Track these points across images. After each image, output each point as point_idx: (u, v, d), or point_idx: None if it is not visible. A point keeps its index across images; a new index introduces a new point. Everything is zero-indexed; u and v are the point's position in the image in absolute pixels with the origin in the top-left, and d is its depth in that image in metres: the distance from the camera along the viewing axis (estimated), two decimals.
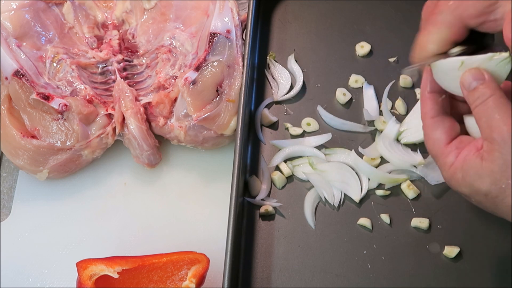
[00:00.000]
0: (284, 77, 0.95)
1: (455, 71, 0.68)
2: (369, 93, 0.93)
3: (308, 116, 0.92)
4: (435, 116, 0.70)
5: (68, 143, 0.86)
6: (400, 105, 0.91)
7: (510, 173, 0.63)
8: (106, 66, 0.93)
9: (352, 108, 0.93)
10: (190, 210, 0.88)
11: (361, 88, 0.94)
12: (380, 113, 0.91)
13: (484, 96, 0.65)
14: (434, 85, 0.71)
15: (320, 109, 0.92)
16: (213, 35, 0.88)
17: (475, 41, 0.74)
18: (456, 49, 0.74)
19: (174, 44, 0.92)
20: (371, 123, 0.91)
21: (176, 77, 0.89)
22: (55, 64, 0.91)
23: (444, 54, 0.74)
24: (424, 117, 0.71)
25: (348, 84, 0.94)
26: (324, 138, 0.89)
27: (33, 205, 0.89)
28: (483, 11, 0.70)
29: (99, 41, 0.96)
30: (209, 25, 0.89)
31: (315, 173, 0.86)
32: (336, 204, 0.85)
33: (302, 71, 0.95)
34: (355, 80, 0.94)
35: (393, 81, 0.94)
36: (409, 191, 0.85)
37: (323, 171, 0.86)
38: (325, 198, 0.85)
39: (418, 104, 0.88)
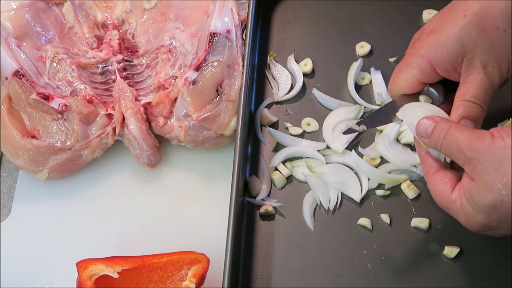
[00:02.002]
0: (285, 77, 0.95)
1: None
2: (377, 78, 0.94)
3: (308, 116, 0.92)
4: (436, 172, 0.72)
5: (68, 143, 0.86)
6: None
7: (501, 173, 0.63)
8: (106, 66, 0.93)
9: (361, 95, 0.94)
10: (190, 210, 0.88)
11: (367, 85, 0.94)
12: None
13: (443, 131, 0.69)
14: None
15: (315, 91, 0.93)
16: (213, 35, 0.88)
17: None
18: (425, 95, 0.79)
19: (174, 44, 0.92)
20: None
21: (176, 77, 0.89)
22: (55, 64, 0.91)
23: (417, 94, 0.79)
24: (427, 175, 0.74)
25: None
26: (320, 145, 0.89)
27: (33, 205, 0.89)
28: (449, 63, 0.74)
29: (99, 41, 0.96)
30: (209, 25, 0.89)
31: (313, 175, 0.86)
32: (331, 208, 0.85)
33: (302, 71, 0.95)
34: (362, 77, 0.95)
35: None
36: (409, 191, 0.85)
37: (322, 174, 0.86)
38: (320, 202, 0.85)
39: None
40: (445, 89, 0.79)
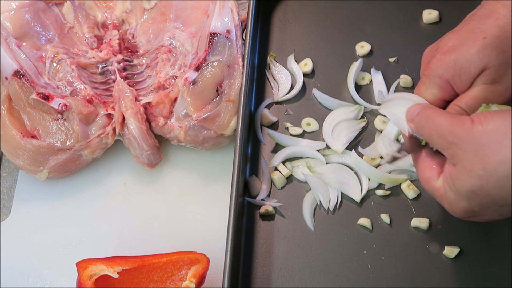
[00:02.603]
0: (285, 77, 0.95)
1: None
2: (377, 78, 0.94)
3: (308, 116, 0.92)
4: (425, 158, 0.73)
5: (68, 143, 0.86)
6: None
7: (480, 157, 0.63)
8: (106, 66, 0.93)
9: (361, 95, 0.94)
10: (190, 210, 0.88)
11: (367, 85, 0.94)
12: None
13: (425, 115, 0.70)
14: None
15: (315, 91, 0.93)
16: (213, 35, 0.88)
17: None
18: None
19: (174, 44, 0.92)
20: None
21: (176, 77, 0.89)
22: (55, 64, 0.91)
23: None
24: (415, 160, 0.75)
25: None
26: (320, 145, 0.89)
27: (33, 205, 0.89)
28: (467, 84, 0.75)
29: (99, 41, 0.96)
30: (209, 25, 0.89)
31: (313, 175, 0.86)
32: (331, 208, 0.85)
33: (302, 71, 0.95)
34: (362, 77, 0.95)
35: (394, 81, 0.93)
36: (409, 191, 0.85)
37: (322, 174, 0.86)
38: (320, 202, 0.85)
39: None
40: None
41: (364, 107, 0.92)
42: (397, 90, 0.93)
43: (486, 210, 0.67)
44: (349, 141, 0.89)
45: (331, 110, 0.92)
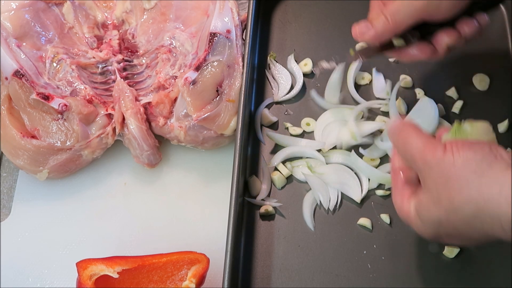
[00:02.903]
0: (285, 77, 0.95)
1: None
2: (380, 80, 0.94)
3: (308, 116, 0.92)
4: (402, 185, 0.70)
5: (68, 143, 0.86)
6: (400, 105, 0.91)
7: (447, 189, 0.61)
8: (106, 66, 0.93)
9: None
10: (190, 210, 0.88)
11: (367, 85, 0.94)
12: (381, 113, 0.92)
13: (401, 136, 0.68)
14: (400, 160, 0.72)
15: (313, 93, 0.93)
16: (213, 35, 0.88)
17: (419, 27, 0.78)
18: (400, 41, 0.79)
19: (174, 44, 0.92)
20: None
21: (176, 77, 0.89)
22: (55, 64, 0.91)
23: (387, 45, 0.80)
24: (393, 187, 0.72)
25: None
26: (320, 144, 0.89)
27: (33, 205, 0.89)
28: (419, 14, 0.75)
29: (99, 41, 0.96)
30: (209, 25, 0.89)
31: (314, 175, 0.86)
32: (331, 208, 0.85)
33: (302, 71, 0.95)
34: (362, 77, 0.95)
35: (394, 81, 0.93)
36: None
37: (322, 174, 0.86)
38: (320, 202, 0.85)
39: (418, 104, 0.89)
40: (420, 34, 0.79)
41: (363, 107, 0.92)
42: (397, 91, 0.93)
43: (453, 240, 0.66)
44: (336, 143, 0.89)
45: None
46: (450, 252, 0.80)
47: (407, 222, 0.69)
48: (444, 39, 0.77)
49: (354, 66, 0.94)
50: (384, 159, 0.87)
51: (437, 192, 0.62)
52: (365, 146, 0.88)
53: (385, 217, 0.84)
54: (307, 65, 0.96)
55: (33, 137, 0.86)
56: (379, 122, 0.90)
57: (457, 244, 0.66)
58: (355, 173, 0.87)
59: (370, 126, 0.88)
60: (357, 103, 0.92)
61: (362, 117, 0.91)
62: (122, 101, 0.88)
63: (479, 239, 0.64)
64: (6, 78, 0.87)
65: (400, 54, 0.81)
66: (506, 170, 0.59)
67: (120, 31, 0.97)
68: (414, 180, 0.70)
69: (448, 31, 0.77)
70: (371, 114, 0.92)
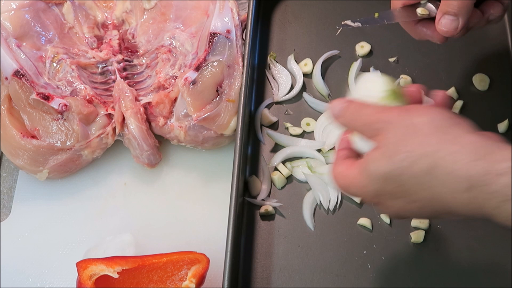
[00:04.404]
0: (285, 77, 0.95)
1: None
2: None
3: (308, 116, 0.92)
4: (345, 157, 0.69)
5: (68, 143, 0.86)
6: None
7: (404, 144, 0.60)
8: (106, 66, 0.93)
9: None
10: (190, 210, 0.88)
11: None
12: None
13: (352, 109, 0.66)
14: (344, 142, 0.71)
15: (305, 95, 0.93)
16: (213, 35, 0.88)
17: None
18: (424, 11, 0.79)
19: (174, 44, 0.92)
20: None
21: (176, 77, 0.89)
22: (55, 64, 0.91)
23: (415, 6, 0.79)
24: (335, 162, 0.70)
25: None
26: (320, 144, 0.89)
27: (33, 205, 0.89)
28: None
29: (99, 41, 0.96)
30: (209, 25, 0.89)
31: (314, 175, 0.86)
32: (331, 208, 0.85)
33: (302, 71, 0.95)
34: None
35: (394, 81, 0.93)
36: None
37: (322, 174, 0.86)
38: (320, 201, 0.85)
39: None
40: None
41: None
42: None
43: (397, 201, 0.63)
44: (335, 143, 0.89)
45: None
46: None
47: (344, 186, 0.66)
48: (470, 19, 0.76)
49: (355, 66, 0.94)
50: None
51: (395, 145, 0.61)
52: None
53: (385, 217, 0.84)
54: (307, 65, 0.96)
55: (33, 137, 0.86)
56: None
57: (394, 211, 0.64)
58: None
59: None
60: None
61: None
62: (122, 101, 0.88)
63: (423, 205, 0.62)
64: (6, 78, 0.87)
65: (417, 29, 0.81)
66: (469, 133, 0.60)
67: (120, 31, 0.97)
68: (356, 156, 0.69)
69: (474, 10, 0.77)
70: None
